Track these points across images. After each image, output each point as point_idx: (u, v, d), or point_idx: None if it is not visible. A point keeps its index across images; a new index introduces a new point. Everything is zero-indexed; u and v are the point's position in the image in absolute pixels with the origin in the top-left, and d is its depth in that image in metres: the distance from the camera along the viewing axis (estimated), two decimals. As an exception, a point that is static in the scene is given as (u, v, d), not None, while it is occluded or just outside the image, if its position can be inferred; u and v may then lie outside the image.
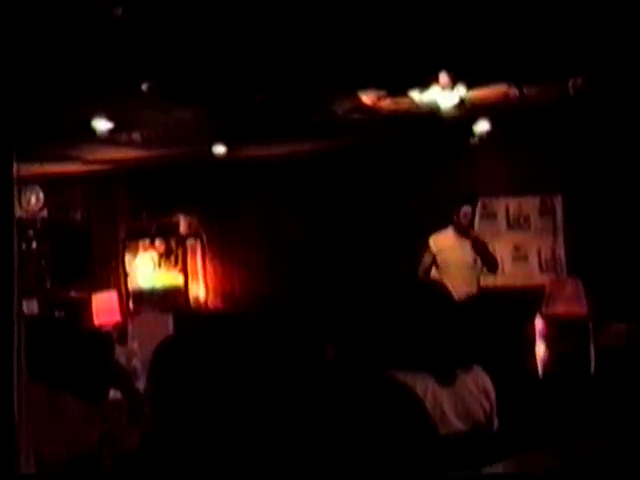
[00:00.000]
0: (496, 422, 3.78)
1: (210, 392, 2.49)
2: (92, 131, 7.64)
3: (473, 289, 7.90)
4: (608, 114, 8.40)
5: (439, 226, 8.14)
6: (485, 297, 8.01)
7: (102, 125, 7.53)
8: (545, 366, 7.54)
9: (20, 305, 1.60)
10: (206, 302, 11.04)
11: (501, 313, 8.03)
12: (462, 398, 3.53)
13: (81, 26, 4.75)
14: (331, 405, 2.37)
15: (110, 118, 7.42)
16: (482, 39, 5.55)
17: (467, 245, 7.92)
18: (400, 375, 3.13)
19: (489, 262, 8.00)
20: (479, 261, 7.97)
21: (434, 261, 7.99)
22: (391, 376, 2.95)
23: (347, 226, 10.32)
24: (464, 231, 7.87)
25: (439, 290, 3.70)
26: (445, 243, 7.99)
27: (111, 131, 7.79)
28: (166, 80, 6.25)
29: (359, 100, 7.24)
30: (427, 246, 8.06)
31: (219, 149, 9.46)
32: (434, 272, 8.01)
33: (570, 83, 6.97)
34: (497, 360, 5.36)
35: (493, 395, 3.69)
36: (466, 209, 7.93)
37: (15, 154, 2.20)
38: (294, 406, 2.38)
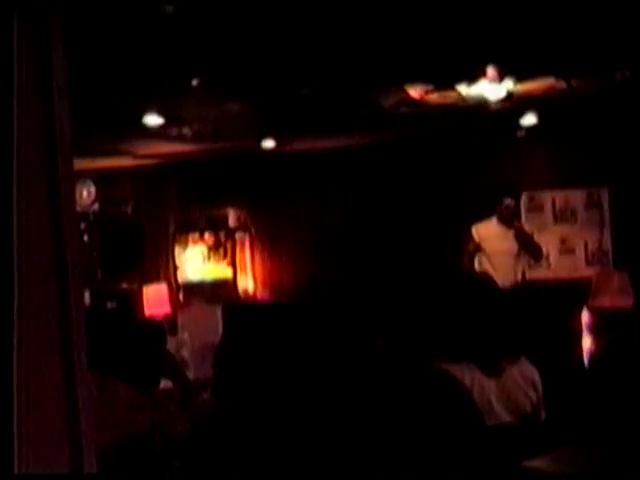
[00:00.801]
0: (543, 414, 3.80)
1: (265, 383, 2.55)
2: (143, 126, 7.74)
3: (517, 278, 7.91)
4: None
5: (485, 218, 8.14)
6: (532, 290, 8.00)
7: (153, 120, 7.63)
8: (592, 359, 7.50)
9: (82, 296, 1.67)
10: (254, 294, 11.13)
11: (548, 306, 8.01)
12: (509, 389, 3.55)
13: (133, 22, 4.83)
14: (380, 396, 2.43)
15: (160, 113, 7.52)
16: (529, 32, 5.54)
17: (510, 235, 7.91)
18: (447, 366, 3.18)
19: (533, 251, 7.98)
20: (522, 251, 7.95)
21: (477, 250, 7.99)
22: (438, 367, 3.00)
23: (394, 219, 10.34)
24: (507, 221, 7.85)
25: (485, 281, 3.73)
26: (488, 233, 7.99)
27: (161, 126, 7.89)
28: (215, 75, 6.31)
29: (406, 94, 7.26)
30: (470, 235, 8.06)
31: (267, 143, 9.53)
32: (478, 261, 8.00)
33: (617, 76, 6.94)
34: (544, 352, 5.37)
35: (540, 387, 3.71)
36: (508, 200, 7.92)
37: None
38: (345, 397, 2.43)
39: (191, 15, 4.81)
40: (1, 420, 1.46)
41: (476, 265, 7.97)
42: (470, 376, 3.39)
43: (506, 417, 3.54)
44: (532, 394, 3.63)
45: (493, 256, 7.87)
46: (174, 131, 8.38)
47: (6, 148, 1.48)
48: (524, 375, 3.60)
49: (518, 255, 7.92)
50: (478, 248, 7.94)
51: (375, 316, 6.51)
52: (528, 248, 7.86)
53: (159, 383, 4.20)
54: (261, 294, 11.13)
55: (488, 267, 7.78)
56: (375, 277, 9.89)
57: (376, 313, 6.89)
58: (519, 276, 7.89)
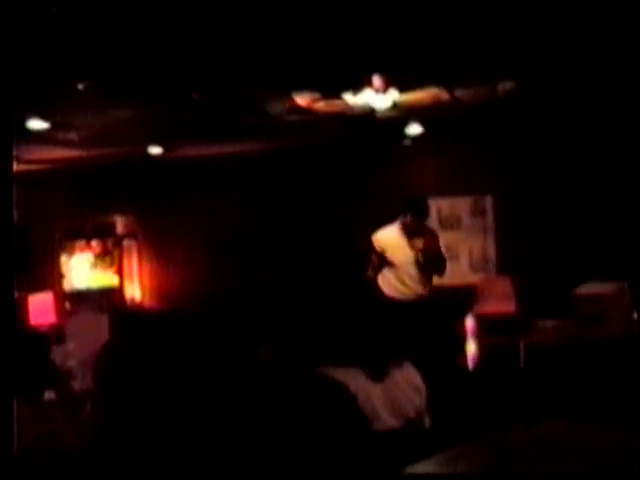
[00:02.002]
0: (427, 418, 3.86)
1: (150, 389, 2.54)
2: (28, 130, 7.58)
3: (421, 288, 7.49)
4: (537, 115, 8.58)
5: (376, 225, 8.00)
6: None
7: (37, 124, 7.48)
8: (476, 363, 7.67)
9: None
10: (142, 302, 11.01)
11: (432, 312, 8.10)
12: (394, 395, 3.59)
13: (16, 23, 4.72)
14: (265, 403, 2.44)
15: (46, 117, 7.38)
16: (414, 42, 5.63)
17: (414, 244, 7.47)
18: (333, 372, 3.21)
19: (439, 266, 7.54)
20: (426, 260, 7.51)
21: (383, 260, 7.53)
22: (323, 373, 3.04)
23: (284, 225, 10.38)
24: (412, 230, 7.57)
25: (370, 288, 3.78)
26: (388, 242, 7.55)
27: (47, 130, 7.74)
28: (103, 79, 6.23)
29: (293, 101, 7.30)
30: (371, 246, 7.60)
31: (155, 149, 9.45)
32: (385, 271, 7.55)
33: (500, 86, 7.12)
34: (429, 357, 5.47)
35: (424, 392, 3.77)
36: (413, 212, 7.38)
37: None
38: (229, 403, 2.44)
39: (77, 16, 4.73)
40: None
41: (379, 278, 7.57)
42: (356, 382, 3.43)
43: (391, 422, 3.58)
44: (416, 399, 3.68)
45: (396, 265, 7.48)
46: (60, 136, 8.23)
47: None
48: (408, 380, 3.65)
49: (421, 263, 7.49)
50: (383, 259, 7.49)
51: (263, 324, 6.51)
52: (434, 262, 7.48)
53: (43, 394, 4.11)
54: (149, 302, 11.02)
55: (393, 276, 7.43)
56: (265, 285, 9.90)
57: (264, 321, 6.88)
58: (423, 285, 7.49)
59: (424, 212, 7.51)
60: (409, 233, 7.43)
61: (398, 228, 7.48)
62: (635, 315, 6.57)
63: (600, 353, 6.00)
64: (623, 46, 5.99)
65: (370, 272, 7.39)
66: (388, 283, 7.33)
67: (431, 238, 7.58)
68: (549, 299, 6.78)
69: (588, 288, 6.36)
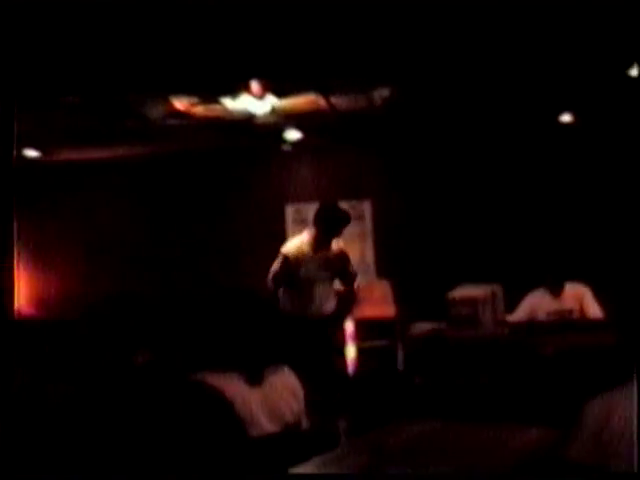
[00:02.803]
0: (305, 422, 3.88)
1: (24, 397, 2.49)
2: None
3: (327, 301, 7.32)
4: (414, 122, 8.74)
5: (259, 231, 7.99)
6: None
7: None
8: (355, 367, 7.75)
9: None
10: (19, 310, 10.73)
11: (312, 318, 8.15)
12: (271, 399, 3.60)
13: None
14: (142, 409, 2.41)
15: None
16: (291, 48, 5.67)
17: (322, 257, 7.24)
18: (212, 377, 3.20)
19: (346, 276, 7.34)
20: (335, 273, 7.33)
21: (287, 271, 7.25)
22: (201, 379, 3.02)
23: (163, 230, 10.28)
24: (323, 243, 7.11)
25: (248, 292, 3.77)
26: (297, 254, 7.28)
27: None
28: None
29: (172, 106, 7.25)
30: (279, 255, 7.31)
31: (32, 152, 9.23)
32: (290, 282, 7.30)
33: (376, 93, 7.23)
34: (307, 361, 5.50)
35: (302, 396, 3.79)
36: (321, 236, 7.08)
37: None
38: (107, 410, 2.40)
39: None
40: None
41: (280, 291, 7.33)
42: (234, 387, 3.42)
43: (269, 426, 3.58)
44: (294, 403, 3.69)
45: (302, 279, 7.23)
46: None
47: None
48: (286, 385, 3.67)
49: (329, 277, 7.28)
50: (287, 269, 7.21)
51: (140, 329, 6.42)
52: (340, 273, 7.27)
53: None
54: (25, 310, 10.75)
55: (297, 288, 7.20)
56: (143, 289, 9.78)
57: (141, 326, 6.80)
58: (330, 299, 7.28)
59: (334, 225, 7.10)
60: (317, 245, 7.13)
61: (308, 239, 7.20)
62: (505, 316, 6.78)
63: (473, 353, 6.15)
64: (494, 52, 6.18)
65: (269, 281, 7.14)
66: (291, 295, 7.11)
67: (338, 252, 7.26)
68: (425, 302, 6.90)
69: (461, 291, 6.53)
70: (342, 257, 7.24)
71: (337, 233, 7.10)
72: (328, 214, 7.12)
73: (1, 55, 5.26)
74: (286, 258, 7.14)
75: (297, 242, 7.27)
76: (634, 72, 6.58)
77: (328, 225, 7.05)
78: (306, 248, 7.15)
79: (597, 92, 7.52)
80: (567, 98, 7.83)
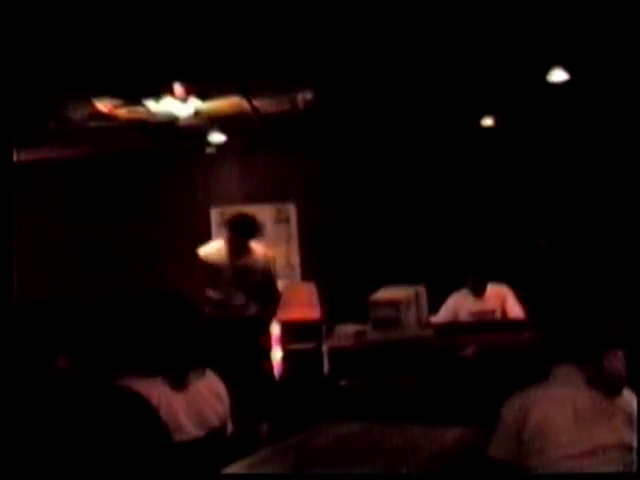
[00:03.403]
0: (230, 425, 3.88)
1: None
2: None
3: (248, 306, 7.32)
4: (337, 125, 8.78)
5: (184, 233, 7.94)
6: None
7: None
8: (281, 369, 7.76)
9: None
10: None
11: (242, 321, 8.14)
12: (197, 404, 3.59)
13: None
14: (65, 415, 2.38)
15: None
16: (214, 51, 5.66)
17: (240, 264, 7.24)
18: (136, 382, 3.18)
19: (267, 293, 7.35)
20: (255, 283, 7.27)
21: (211, 274, 7.26)
22: (124, 384, 3.00)
23: (86, 233, 10.16)
24: (238, 248, 7.21)
25: (171, 297, 3.76)
26: (214, 257, 7.31)
27: None
28: None
29: (95, 108, 7.17)
30: (198, 259, 7.32)
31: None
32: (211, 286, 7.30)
33: (299, 96, 7.26)
34: (233, 365, 5.50)
35: (227, 399, 3.78)
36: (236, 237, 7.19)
37: None
38: (28, 416, 2.37)
39: None
40: None
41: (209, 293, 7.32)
42: (158, 392, 3.40)
43: (195, 431, 3.57)
44: (219, 407, 3.69)
45: (222, 281, 7.24)
46: None
47: None
48: (210, 388, 3.66)
49: (249, 285, 7.27)
50: (211, 273, 7.22)
51: (61, 333, 6.31)
52: (264, 289, 7.30)
53: None
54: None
55: (220, 292, 7.21)
56: (65, 294, 9.65)
57: (62, 330, 6.67)
58: (246, 300, 7.31)
59: (247, 231, 7.21)
60: (233, 252, 7.22)
61: (225, 242, 7.29)
62: (428, 317, 6.86)
63: (397, 355, 6.21)
64: (417, 55, 6.25)
65: (198, 286, 7.15)
66: (212, 299, 7.12)
67: (261, 261, 7.33)
68: (350, 304, 6.94)
69: (384, 293, 6.58)
70: (265, 269, 7.31)
71: (245, 239, 7.18)
72: (235, 222, 7.26)
73: None
74: (204, 261, 7.23)
75: (215, 246, 7.37)
76: (553, 77, 6.71)
77: (236, 232, 7.16)
78: (224, 253, 7.23)
79: (517, 96, 7.65)
80: (488, 102, 7.95)
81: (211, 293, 7.24)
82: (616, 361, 3.16)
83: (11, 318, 2.96)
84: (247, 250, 7.25)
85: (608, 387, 3.17)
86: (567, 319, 3.34)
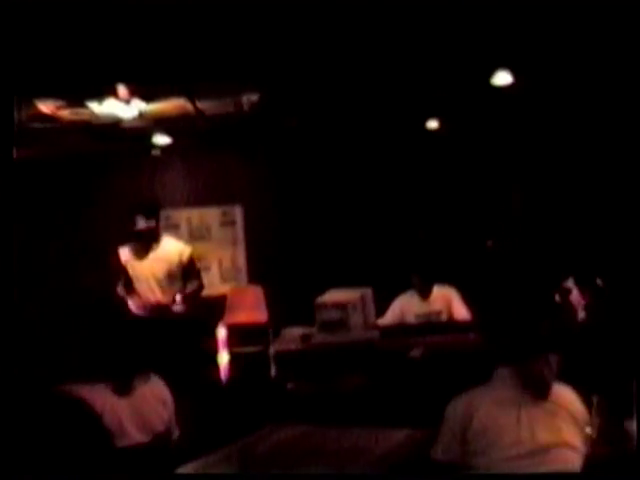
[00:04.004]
0: (176, 430, 3.85)
1: None
2: None
3: (169, 301, 7.37)
4: (283, 126, 8.78)
5: (124, 237, 7.88)
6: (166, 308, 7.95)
7: None
8: (228, 373, 7.73)
9: None
10: None
11: (182, 323, 8.08)
12: (141, 409, 3.56)
13: None
14: (5, 423, 2.34)
15: None
16: (157, 52, 5.62)
17: (155, 257, 7.37)
18: (77, 389, 3.14)
19: (190, 276, 7.44)
20: (178, 274, 7.40)
21: (126, 272, 7.40)
22: (67, 391, 2.95)
23: (28, 236, 10.02)
24: (147, 242, 7.27)
25: (114, 303, 3.74)
26: (131, 254, 7.46)
27: None
28: None
29: (37, 109, 7.08)
30: (117, 257, 7.45)
31: None
32: (133, 284, 7.39)
33: (244, 98, 7.24)
34: (177, 370, 5.46)
35: (171, 404, 3.76)
36: (140, 219, 7.23)
37: None
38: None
39: None
40: None
41: (125, 288, 7.39)
42: (102, 398, 3.38)
43: (139, 436, 3.55)
44: (163, 412, 3.67)
45: (140, 279, 7.35)
46: None
47: None
48: (155, 394, 3.64)
49: (167, 278, 7.38)
50: (127, 271, 7.33)
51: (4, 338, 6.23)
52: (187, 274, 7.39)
53: None
54: None
55: (138, 288, 7.33)
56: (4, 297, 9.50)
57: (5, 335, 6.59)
58: (167, 299, 7.37)
59: (149, 209, 7.34)
60: (147, 245, 7.29)
61: (140, 240, 7.30)
62: (375, 320, 6.87)
63: (344, 358, 6.22)
64: (363, 58, 6.27)
65: (118, 286, 7.24)
66: (134, 297, 7.22)
67: (177, 251, 7.41)
68: (297, 307, 6.93)
69: (331, 295, 6.57)
70: (181, 257, 7.36)
71: (150, 218, 7.25)
72: (135, 204, 7.43)
73: None
74: (119, 258, 7.33)
75: (128, 245, 7.41)
76: (497, 80, 6.78)
77: (139, 212, 7.24)
78: (139, 248, 7.31)
79: (462, 99, 7.71)
80: (434, 105, 8.00)
81: (129, 290, 7.29)
82: (542, 365, 3.18)
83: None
84: (159, 243, 7.34)
85: (534, 390, 3.21)
86: (504, 321, 3.37)
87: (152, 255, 7.22)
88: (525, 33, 5.81)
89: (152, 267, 7.23)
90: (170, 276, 7.27)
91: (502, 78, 6.75)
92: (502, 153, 8.99)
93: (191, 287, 7.35)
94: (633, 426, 3.66)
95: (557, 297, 5.10)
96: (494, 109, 8.01)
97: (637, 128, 7.77)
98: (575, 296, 5.11)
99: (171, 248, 7.42)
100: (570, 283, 5.12)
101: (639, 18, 5.25)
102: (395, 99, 7.60)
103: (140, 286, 7.22)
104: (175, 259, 7.29)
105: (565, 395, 3.31)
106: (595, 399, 3.67)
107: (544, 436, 3.16)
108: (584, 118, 8.15)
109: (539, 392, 3.20)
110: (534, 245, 8.84)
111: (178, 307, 7.24)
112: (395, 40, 5.85)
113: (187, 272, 7.36)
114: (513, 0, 5.11)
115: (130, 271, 7.23)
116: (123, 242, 7.48)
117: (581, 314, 5.12)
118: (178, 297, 7.24)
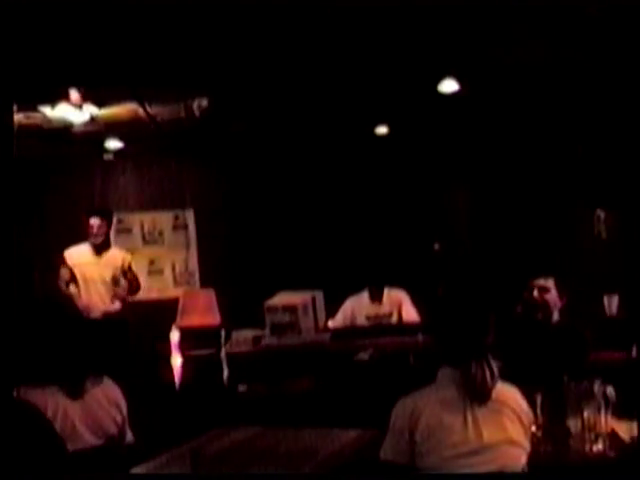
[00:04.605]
0: (129, 433, 3.87)
1: None
2: None
3: (111, 304, 7.73)
4: (235, 131, 8.80)
5: (80, 241, 7.94)
6: (125, 311, 7.97)
7: None
8: (181, 375, 7.74)
9: None
10: None
11: (139, 326, 8.09)
12: (93, 412, 3.56)
13: None
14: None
15: None
16: (109, 57, 5.63)
17: (102, 262, 7.72)
18: (31, 392, 3.16)
19: (132, 286, 7.83)
20: (122, 279, 7.80)
21: (72, 275, 7.70)
22: (22, 394, 2.98)
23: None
24: (98, 248, 7.74)
25: (63, 305, 3.73)
26: (80, 258, 7.73)
27: None
28: None
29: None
30: (63, 260, 7.75)
31: None
32: (73, 287, 7.70)
33: (195, 103, 7.26)
34: (130, 372, 5.48)
35: (124, 407, 3.76)
36: (94, 221, 7.73)
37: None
38: None
39: None
40: None
41: (70, 290, 7.68)
42: (54, 401, 3.37)
43: (92, 439, 3.54)
44: (116, 415, 3.67)
45: (86, 282, 7.71)
46: None
47: None
48: (108, 396, 3.63)
49: (113, 282, 7.75)
50: (73, 274, 7.65)
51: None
52: (127, 280, 7.79)
53: None
54: None
55: (82, 292, 7.64)
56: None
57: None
58: (113, 302, 7.76)
59: (104, 212, 7.96)
60: (98, 250, 7.76)
61: (89, 245, 7.77)
62: (326, 322, 6.93)
63: (294, 360, 6.27)
64: (312, 62, 6.33)
65: (61, 287, 7.52)
66: (80, 299, 7.48)
67: (118, 255, 7.93)
68: (248, 310, 6.97)
69: (281, 298, 6.61)
70: (123, 263, 7.89)
71: (104, 220, 7.83)
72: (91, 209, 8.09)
73: None
74: (69, 261, 7.74)
75: (80, 247, 7.85)
76: (444, 87, 6.90)
77: (94, 214, 7.85)
78: (84, 253, 7.78)
79: (410, 105, 7.80)
80: (383, 110, 8.08)
81: (73, 291, 7.70)
82: (483, 369, 3.23)
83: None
84: (108, 248, 7.89)
85: (474, 393, 3.25)
86: (445, 322, 3.42)
87: (102, 259, 7.52)
88: (471, 42, 5.92)
89: (101, 271, 7.57)
90: (114, 280, 7.74)
91: (449, 86, 6.90)
92: (449, 158, 9.10)
93: (124, 288, 7.82)
94: (577, 423, 3.75)
95: (535, 293, 5.15)
96: (441, 115, 8.11)
97: (575, 128, 7.96)
98: (552, 296, 5.16)
99: (117, 255, 7.94)
100: (550, 282, 5.18)
101: (581, 23, 5.38)
102: (345, 104, 7.66)
103: (87, 288, 7.50)
104: (119, 264, 7.63)
105: (510, 394, 3.36)
106: (538, 398, 3.77)
107: (490, 434, 3.21)
108: (526, 122, 8.30)
109: (479, 395, 3.24)
110: (481, 247, 8.97)
111: (114, 307, 7.73)
112: (346, 47, 5.91)
113: (125, 276, 7.81)
114: (460, 10, 5.21)
115: (78, 274, 7.47)
116: (71, 245, 7.69)
117: (555, 316, 5.19)
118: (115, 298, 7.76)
